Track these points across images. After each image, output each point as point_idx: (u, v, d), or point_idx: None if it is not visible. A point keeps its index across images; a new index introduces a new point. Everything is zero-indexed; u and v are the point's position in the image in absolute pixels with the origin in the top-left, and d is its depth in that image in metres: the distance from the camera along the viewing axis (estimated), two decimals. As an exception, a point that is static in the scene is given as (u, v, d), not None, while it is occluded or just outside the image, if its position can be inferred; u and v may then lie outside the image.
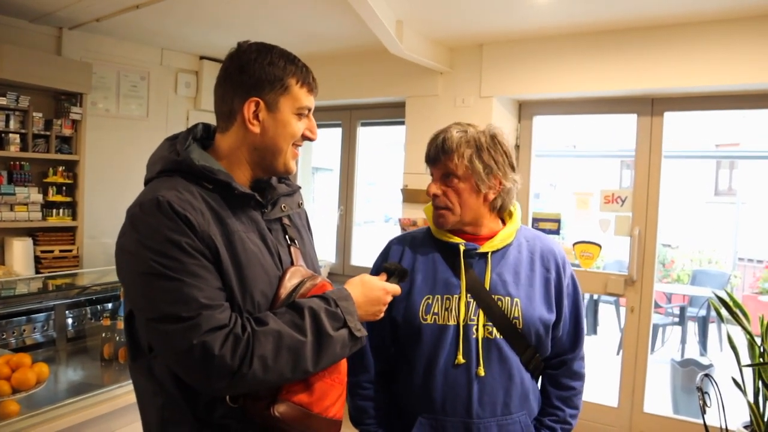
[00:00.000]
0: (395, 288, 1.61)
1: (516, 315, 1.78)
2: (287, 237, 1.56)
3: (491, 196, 1.83)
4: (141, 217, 1.32)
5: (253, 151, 1.47)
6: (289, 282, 1.44)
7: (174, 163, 1.42)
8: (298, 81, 1.47)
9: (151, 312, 1.28)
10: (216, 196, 1.40)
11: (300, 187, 1.69)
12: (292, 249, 1.54)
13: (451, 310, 1.79)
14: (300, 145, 1.53)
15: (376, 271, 1.79)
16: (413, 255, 1.90)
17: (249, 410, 1.35)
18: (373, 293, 1.54)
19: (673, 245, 10.87)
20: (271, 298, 1.41)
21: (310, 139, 1.53)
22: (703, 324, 7.18)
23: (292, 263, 1.51)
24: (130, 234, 1.33)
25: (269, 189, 1.53)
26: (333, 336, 1.38)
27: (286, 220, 1.58)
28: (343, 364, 1.51)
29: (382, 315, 1.58)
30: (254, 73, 1.43)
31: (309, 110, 1.51)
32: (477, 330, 1.77)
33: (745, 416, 3.17)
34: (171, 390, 1.37)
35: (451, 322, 1.78)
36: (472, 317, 1.77)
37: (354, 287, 1.52)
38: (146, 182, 1.46)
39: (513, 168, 1.86)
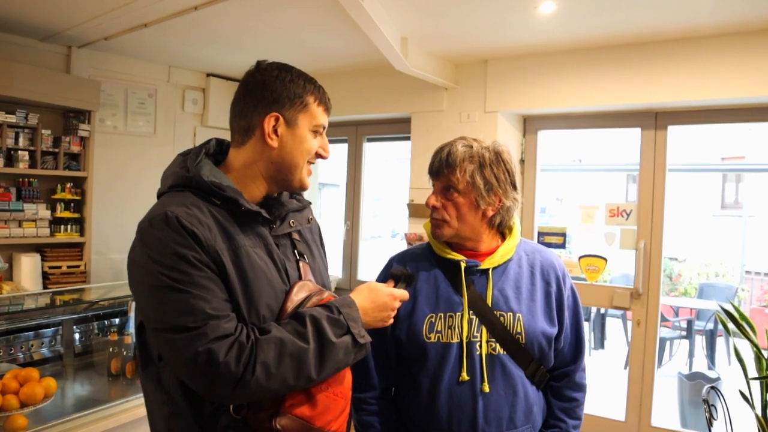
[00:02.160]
0: (403, 293, 1.63)
1: (519, 330, 1.79)
2: (296, 252, 1.58)
3: (490, 213, 1.84)
4: (150, 231, 1.35)
5: (270, 165, 1.50)
6: (296, 296, 1.46)
7: (184, 178, 1.45)
8: (316, 99, 1.53)
9: (160, 322, 1.32)
10: (224, 211, 1.43)
11: (310, 203, 1.72)
12: (300, 264, 1.56)
13: (454, 327, 1.79)
14: (313, 163, 1.57)
15: (381, 280, 1.80)
16: (414, 272, 1.89)
17: (251, 422, 1.37)
18: (380, 299, 1.56)
19: (680, 259, 10.83)
20: (277, 312, 1.43)
21: (323, 157, 1.58)
22: (711, 337, 7.14)
23: (300, 278, 1.53)
24: (140, 248, 1.36)
25: (277, 205, 1.56)
26: (335, 342, 1.40)
27: (295, 236, 1.61)
28: (348, 378, 1.52)
29: (390, 321, 1.60)
30: (276, 89, 1.47)
31: (323, 128, 1.56)
32: (480, 346, 1.77)
33: (753, 430, 3.16)
34: (178, 399, 1.40)
35: (455, 340, 1.79)
36: (475, 334, 1.78)
37: (361, 294, 1.55)
38: (158, 196, 1.50)
39: (515, 186, 1.87)
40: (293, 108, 1.48)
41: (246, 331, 1.34)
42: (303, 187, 1.56)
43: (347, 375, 1.51)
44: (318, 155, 1.57)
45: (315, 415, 1.41)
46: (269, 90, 1.47)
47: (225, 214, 1.43)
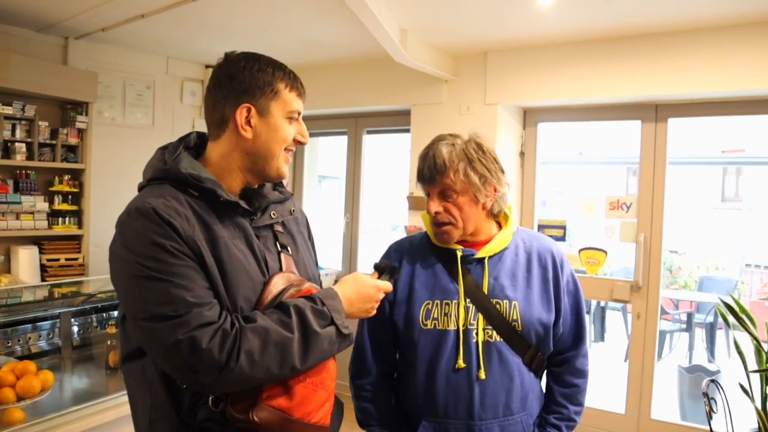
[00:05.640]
0: (387, 285, 1.65)
1: (515, 317, 1.81)
2: (278, 244, 1.57)
3: (489, 204, 1.86)
4: (128, 223, 1.36)
5: (245, 156, 1.50)
6: (274, 287, 1.46)
7: (162, 171, 1.46)
8: (287, 85, 1.50)
9: (140, 312, 1.31)
10: (203, 203, 1.43)
11: (292, 195, 1.71)
12: (282, 256, 1.56)
13: (451, 315, 1.81)
14: (292, 150, 1.56)
15: None
16: (412, 260, 1.92)
17: (230, 414, 1.36)
18: (365, 290, 1.58)
19: (680, 252, 10.82)
20: (255, 303, 1.43)
21: (301, 143, 1.56)
22: (711, 330, 7.14)
23: (281, 270, 1.53)
24: (119, 240, 1.37)
25: (258, 197, 1.55)
26: (320, 333, 1.40)
27: (278, 227, 1.60)
28: (329, 369, 1.51)
29: (374, 312, 1.62)
30: (244, 79, 1.46)
31: (299, 114, 1.54)
32: (477, 334, 1.79)
33: (753, 422, 3.15)
34: (158, 391, 1.40)
35: (451, 327, 1.81)
36: (471, 321, 1.80)
37: (346, 285, 1.56)
38: (139, 189, 1.51)
39: (503, 171, 1.88)
40: (264, 97, 1.47)
41: (230, 319, 1.34)
42: (280, 176, 1.55)
43: (327, 366, 1.50)
44: (296, 141, 1.55)
45: (293, 406, 1.40)
46: (238, 81, 1.46)
47: (204, 206, 1.43)
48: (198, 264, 1.35)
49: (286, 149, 1.53)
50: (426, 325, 1.82)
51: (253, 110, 1.46)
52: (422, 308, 1.84)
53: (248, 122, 1.47)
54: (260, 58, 1.51)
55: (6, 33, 4.22)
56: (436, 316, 1.82)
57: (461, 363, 1.78)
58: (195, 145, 1.58)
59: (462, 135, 1.87)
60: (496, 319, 1.80)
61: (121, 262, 1.35)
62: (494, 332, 1.80)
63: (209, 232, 1.40)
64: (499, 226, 1.95)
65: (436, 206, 1.84)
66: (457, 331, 1.80)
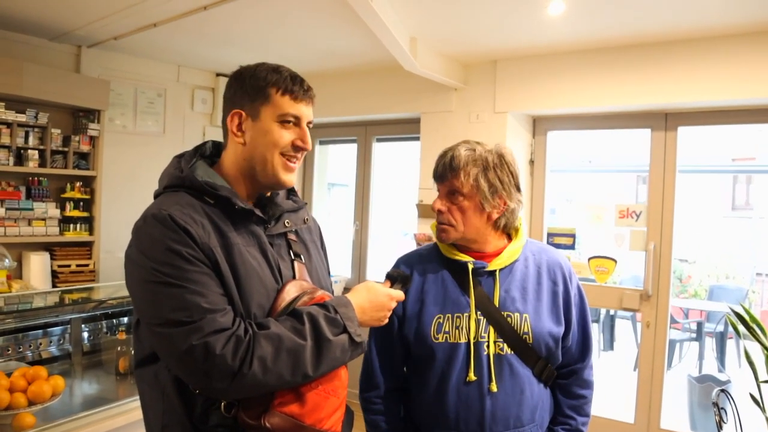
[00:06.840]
0: (399, 294, 1.66)
1: (525, 330, 1.80)
2: (291, 252, 1.58)
3: (495, 216, 1.85)
4: (144, 229, 1.38)
5: (244, 162, 1.52)
6: (288, 294, 1.47)
7: (178, 179, 1.48)
8: (279, 89, 1.49)
9: (156, 318, 1.33)
10: (218, 210, 1.45)
11: (306, 204, 1.72)
12: (296, 264, 1.57)
13: (462, 328, 1.81)
14: (293, 156, 1.53)
15: None
16: (422, 274, 1.92)
17: (242, 420, 1.37)
18: (378, 299, 1.59)
19: (690, 260, 10.76)
20: (268, 310, 1.44)
21: (302, 149, 1.54)
22: (721, 339, 7.09)
23: (294, 278, 1.54)
24: (134, 246, 1.39)
25: (272, 205, 1.57)
26: (332, 341, 1.41)
27: (291, 236, 1.61)
28: (341, 377, 1.52)
29: (386, 321, 1.63)
30: (238, 87, 1.51)
31: (296, 118, 1.51)
32: (488, 347, 1.79)
33: (764, 433, 3.13)
34: (171, 396, 1.41)
35: (462, 340, 1.80)
36: (482, 334, 1.79)
37: (359, 294, 1.57)
38: (155, 197, 1.53)
39: (518, 188, 1.87)
40: (255, 102, 1.49)
41: (244, 326, 1.35)
42: (278, 183, 1.53)
43: (339, 373, 1.51)
44: (296, 147, 1.52)
45: (304, 413, 1.40)
46: (232, 90, 1.52)
47: (219, 213, 1.44)
48: (213, 270, 1.36)
49: (283, 155, 1.51)
50: (437, 338, 1.81)
51: (244, 115, 1.49)
52: (434, 322, 1.82)
53: (240, 128, 1.49)
54: (260, 65, 1.52)
55: (20, 42, 4.27)
56: (447, 329, 1.81)
57: (472, 376, 1.77)
58: (210, 153, 1.61)
59: (488, 144, 1.87)
60: (507, 332, 1.79)
61: (137, 267, 1.37)
62: (505, 345, 1.79)
63: (224, 239, 1.41)
64: (509, 238, 1.94)
65: (440, 204, 1.85)
66: (468, 344, 1.79)
